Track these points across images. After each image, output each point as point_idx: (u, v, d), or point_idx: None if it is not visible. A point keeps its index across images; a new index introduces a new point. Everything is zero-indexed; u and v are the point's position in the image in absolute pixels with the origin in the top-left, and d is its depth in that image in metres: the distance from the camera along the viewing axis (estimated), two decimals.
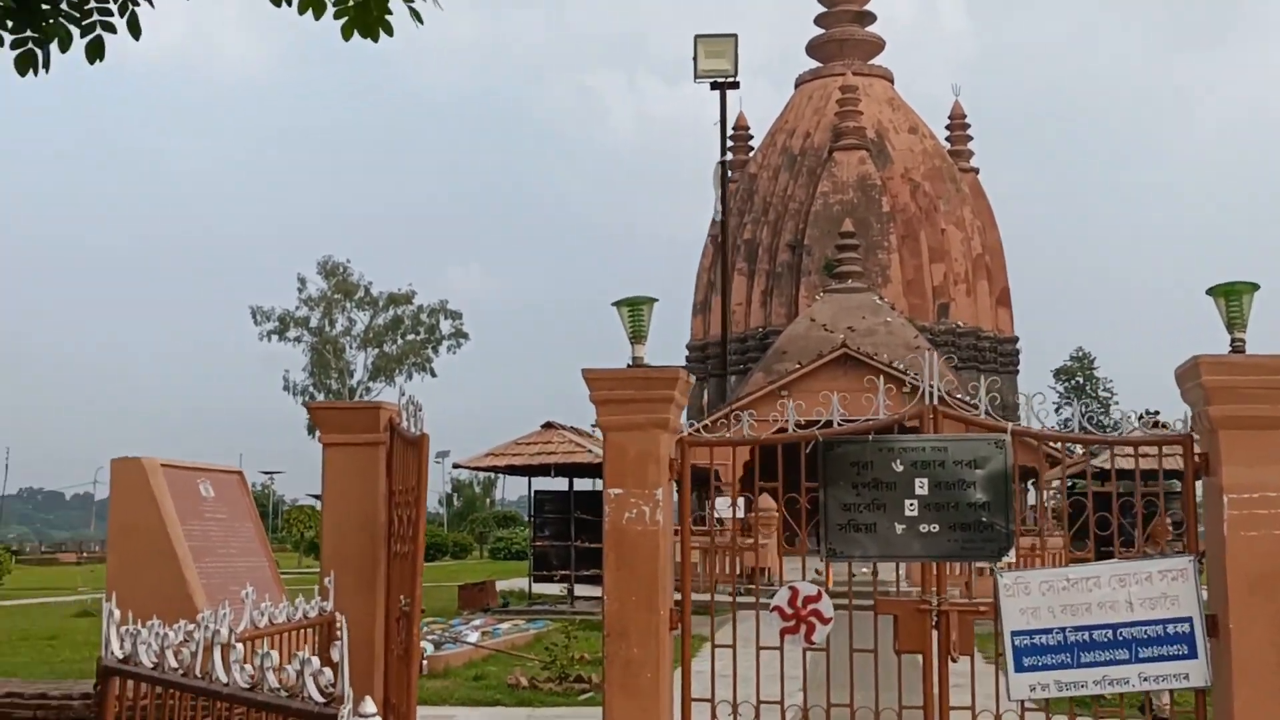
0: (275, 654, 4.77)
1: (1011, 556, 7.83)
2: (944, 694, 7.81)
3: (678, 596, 8.34)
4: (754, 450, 8.60)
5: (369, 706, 4.28)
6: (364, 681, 8.16)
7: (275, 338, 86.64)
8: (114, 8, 6.84)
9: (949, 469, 7.83)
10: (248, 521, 11.99)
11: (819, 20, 59.08)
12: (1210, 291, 7.64)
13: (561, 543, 24.21)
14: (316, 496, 74.49)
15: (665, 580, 8.11)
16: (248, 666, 4.62)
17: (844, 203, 52.48)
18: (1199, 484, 7.71)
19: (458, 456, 57.16)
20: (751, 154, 59.02)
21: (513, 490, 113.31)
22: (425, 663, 13.62)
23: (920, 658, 7.90)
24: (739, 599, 9.45)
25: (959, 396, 18.33)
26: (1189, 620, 7.36)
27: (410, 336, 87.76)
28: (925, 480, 7.86)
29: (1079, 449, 21.90)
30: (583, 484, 24.85)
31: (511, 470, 24.60)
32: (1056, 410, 66.05)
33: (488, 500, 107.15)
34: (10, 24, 6.67)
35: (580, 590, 24.14)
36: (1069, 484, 22.38)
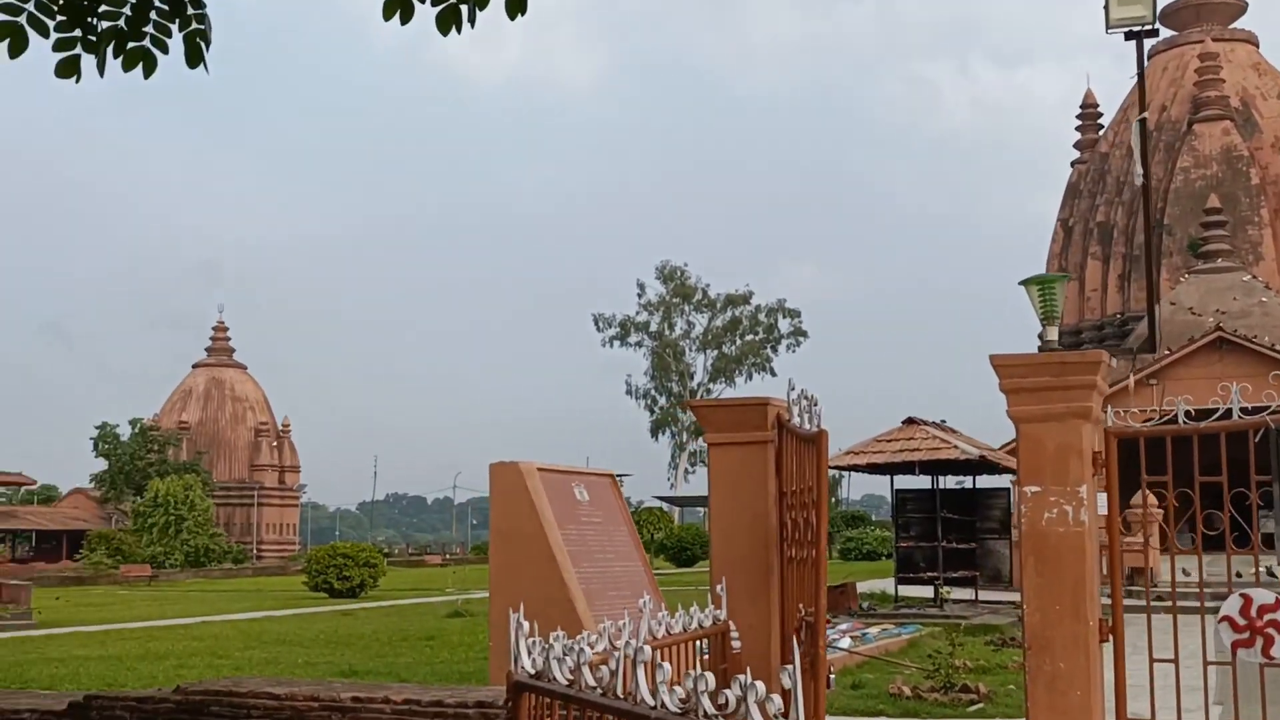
0: (668, 666, 4.32)
1: None
2: None
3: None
4: (1141, 441, 7.65)
5: None
6: None
7: (617, 343, 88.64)
8: (174, 27, 6.50)
9: None
10: (622, 525, 11.78)
11: None
12: None
13: (927, 543, 23.28)
14: (663, 499, 75.57)
15: (1092, 587, 7.26)
16: (678, 688, 4.14)
17: (1207, 177, 49.08)
18: None
19: None
20: (1101, 133, 56.03)
21: (857, 489, 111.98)
22: (832, 677, 12.75)
23: None
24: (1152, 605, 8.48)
25: None
26: None
27: (749, 336, 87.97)
28: None
29: None
30: (947, 482, 23.95)
31: (873, 468, 23.84)
32: None
33: (833, 499, 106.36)
34: (56, 20, 6.30)
35: (950, 593, 23.17)
36: None
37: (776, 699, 3.63)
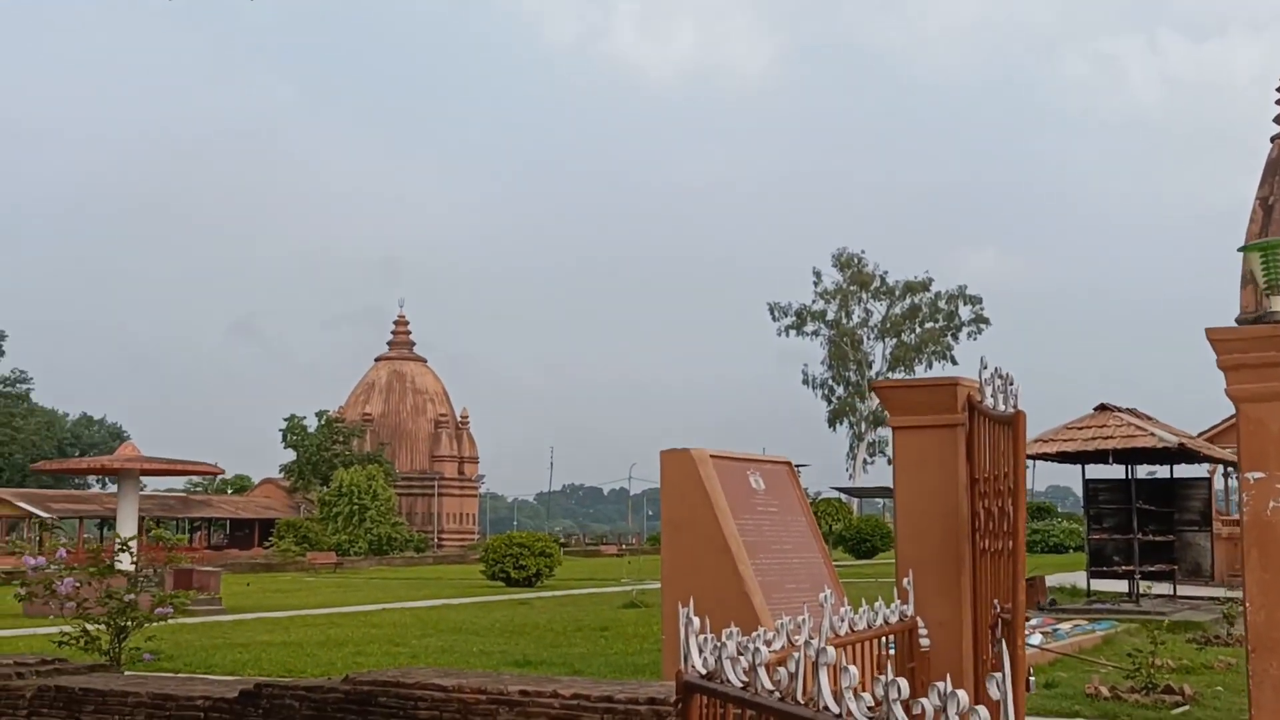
0: (854, 670, 3.86)
1: None
2: None
3: None
4: None
5: None
6: None
7: (793, 332, 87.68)
8: None
9: None
10: (800, 514, 11.24)
11: None
12: None
13: (1121, 536, 22.18)
14: (841, 490, 74.53)
15: None
16: (866, 695, 3.68)
17: None
18: None
19: None
20: None
21: (1042, 479, 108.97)
22: (1032, 680, 11.82)
23: None
24: None
25: None
26: None
27: (929, 324, 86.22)
28: None
29: None
30: (1138, 471, 22.80)
31: (1063, 457, 22.81)
32: None
33: None
34: None
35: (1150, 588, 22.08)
36: None
37: (982, 712, 3.15)
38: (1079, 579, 26.63)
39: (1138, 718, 11.60)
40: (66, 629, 11.75)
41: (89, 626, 11.35)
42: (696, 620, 4.69)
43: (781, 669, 4.12)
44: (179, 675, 12.31)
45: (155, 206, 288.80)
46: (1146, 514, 22.18)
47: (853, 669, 3.71)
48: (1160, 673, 13.16)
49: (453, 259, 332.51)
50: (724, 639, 4.51)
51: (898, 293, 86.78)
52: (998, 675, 3.27)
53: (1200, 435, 30.66)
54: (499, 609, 25.97)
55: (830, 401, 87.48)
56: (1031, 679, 11.29)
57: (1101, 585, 24.06)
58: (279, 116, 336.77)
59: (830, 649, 3.93)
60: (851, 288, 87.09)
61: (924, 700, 3.36)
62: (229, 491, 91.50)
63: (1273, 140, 53.91)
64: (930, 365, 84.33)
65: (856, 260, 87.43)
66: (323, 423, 79.36)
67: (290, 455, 79.47)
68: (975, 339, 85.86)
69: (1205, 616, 20.31)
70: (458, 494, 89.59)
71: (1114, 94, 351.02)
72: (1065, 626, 18.00)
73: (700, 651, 4.63)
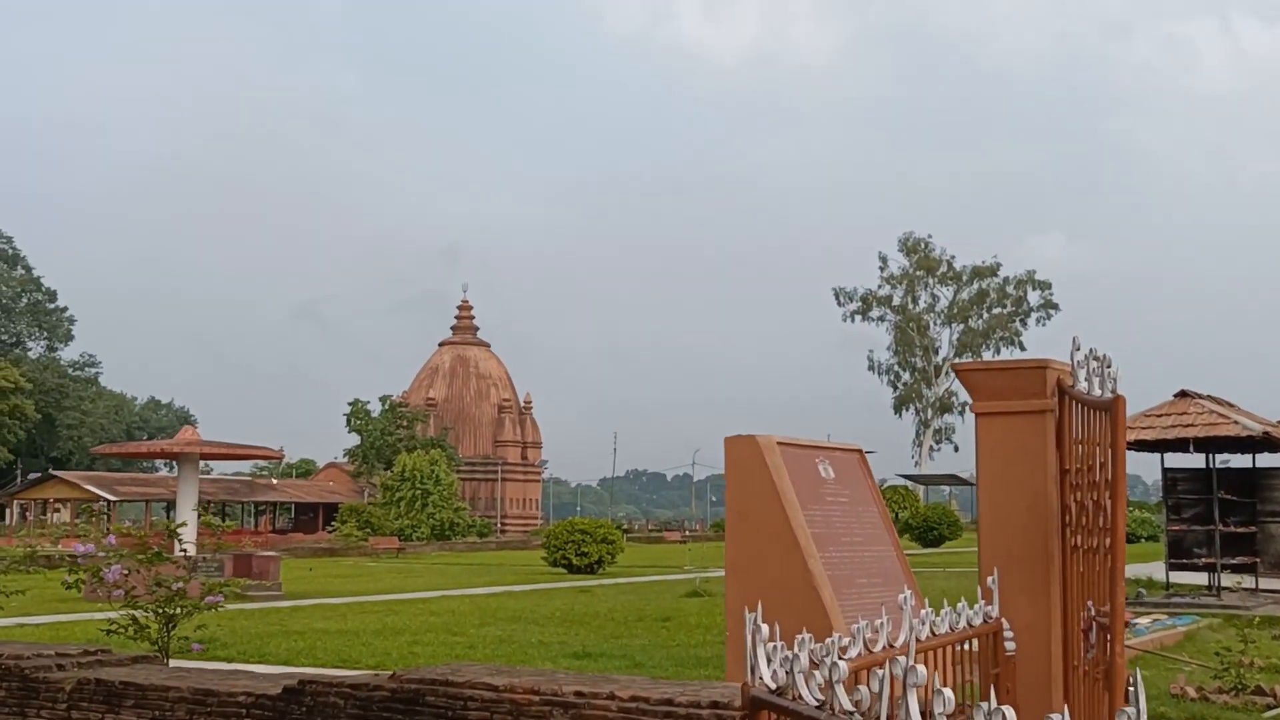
0: (949, 694, 3.38)
1: None
2: None
3: None
4: None
5: None
6: (1039, 707, 6.62)
7: (858, 318, 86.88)
8: None
9: None
10: (871, 505, 10.70)
11: None
12: None
13: (1201, 527, 21.41)
14: (907, 477, 73.68)
15: None
16: None
17: None
18: None
19: None
20: None
21: None
22: (1132, 691, 11.14)
23: None
24: None
25: None
26: None
27: (996, 310, 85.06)
28: None
29: None
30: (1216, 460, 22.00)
31: (1141, 445, 22.06)
32: None
33: None
34: None
35: (1228, 581, 21.29)
36: None
37: None
38: (1153, 570, 25.86)
39: None
40: (117, 616, 11.50)
41: (138, 615, 11.08)
42: (765, 627, 4.22)
43: (863, 688, 3.64)
44: (229, 666, 12.02)
45: (221, 194, 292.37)
46: (1227, 504, 21.41)
47: (947, 692, 3.23)
48: (1250, 672, 12.51)
49: (516, 244, 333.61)
50: (796, 649, 4.03)
51: (965, 278, 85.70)
52: (1129, 711, 2.77)
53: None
54: (560, 597, 25.61)
55: (896, 388, 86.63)
56: (1131, 690, 10.69)
57: (1181, 578, 23.31)
58: (343, 104, 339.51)
59: (921, 668, 3.44)
60: (918, 273, 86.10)
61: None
62: (294, 475, 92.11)
63: None
64: (998, 351, 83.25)
65: (923, 245, 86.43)
66: (386, 407, 79.53)
67: (354, 440, 79.74)
68: (1044, 325, 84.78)
69: None
70: (521, 479, 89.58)
71: (1185, 76, 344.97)
72: (1144, 621, 17.31)
73: (769, 662, 4.16)
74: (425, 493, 69.02)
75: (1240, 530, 21.88)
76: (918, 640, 5.48)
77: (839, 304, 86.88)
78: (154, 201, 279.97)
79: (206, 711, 7.98)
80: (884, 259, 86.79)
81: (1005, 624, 6.48)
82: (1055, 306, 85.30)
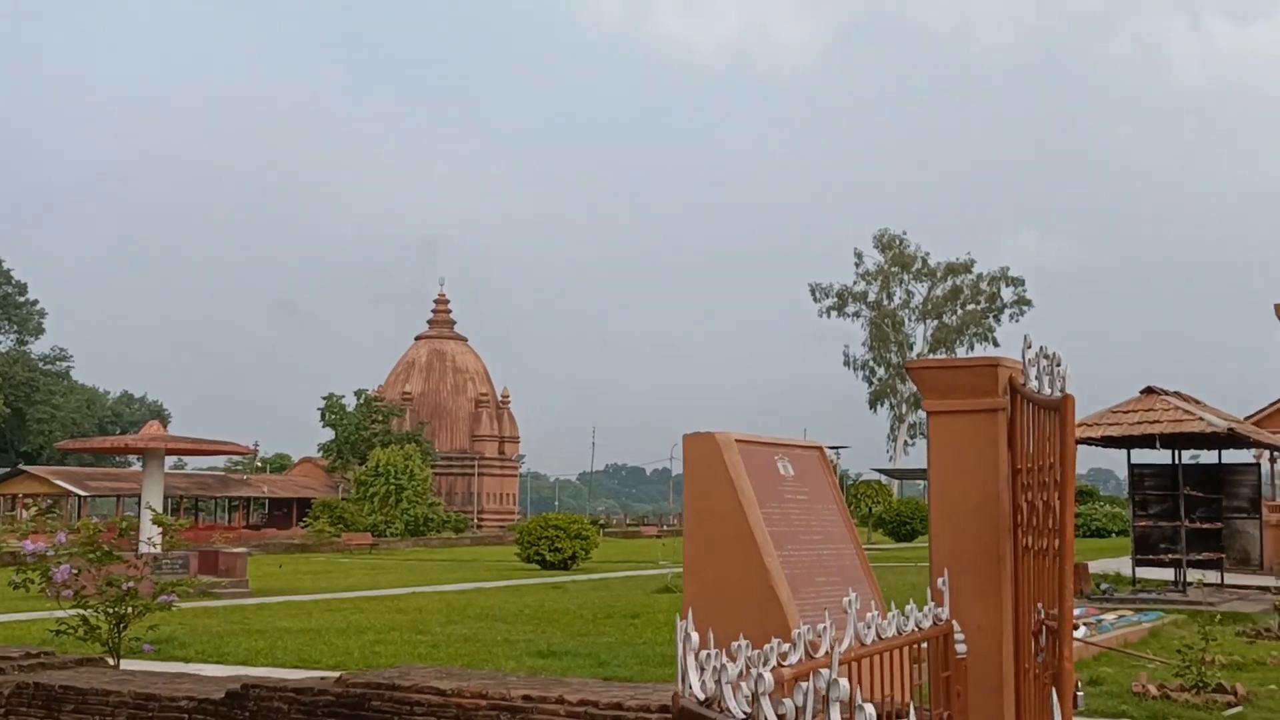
0: (870, 709, 3.27)
1: None
2: None
3: None
4: None
5: None
6: (990, 710, 6.54)
7: (834, 313, 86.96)
8: None
9: None
10: (831, 502, 10.59)
11: None
12: None
13: (1167, 522, 21.42)
14: (882, 471, 73.75)
15: None
16: None
17: None
18: None
19: None
20: None
21: (1083, 462, 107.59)
22: (1080, 695, 10.58)
23: None
24: None
25: None
26: None
27: (970, 306, 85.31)
28: None
29: None
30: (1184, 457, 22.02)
31: (1108, 441, 22.05)
32: None
33: None
34: None
35: (1194, 576, 21.29)
36: None
37: None
38: (1122, 565, 25.90)
39: (1185, 718, 10.94)
40: (66, 616, 11.33)
41: (88, 615, 10.90)
42: (695, 635, 4.10)
43: (788, 701, 3.53)
44: (180, 668, 11.86)
45: (197, 185, 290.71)
46: (1193, 500, 21.44)
47: (869, 708, 3.12)
48: (1211, 669, 12.47)
49: (494, 238, 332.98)
50: (724, 659, 3.92)
51: (939, 274, 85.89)
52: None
53: (1248, 419, 29.79)
54: (530, 593, 25.49)
55: (871, 383, 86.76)
56: (1080, 695, 10.52)
57: (1147, 573, 23.33)
58: (321, 96, 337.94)
59: (843, 682, 3.33)
60: (893, 269, 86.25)
61: None
62: (268, 470, 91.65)
63: None
64: (972, 347, 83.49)
65: (898, 241, 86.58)
66: (361, 402, 79.14)
67: (329, 434, 79.33)
68: (1017, 321, 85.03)
69: (1254, 607, 19.60)
70: (498, 474, 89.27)
71: (1158, 75, 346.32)
72: (1110, 617, 17.30)
73: (700, 672, 4.04)
74: (399, 488, 68.64)
75: (1206, 526, 21.90)
76: (864, 645, 5.40)
77: (815, 299, 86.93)
78: (129, 193, 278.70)
79: (148, 717, 7.83)
80: (859, 255, 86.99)
81: (956, 626, 6.38)
82: (1029, 303, 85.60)
